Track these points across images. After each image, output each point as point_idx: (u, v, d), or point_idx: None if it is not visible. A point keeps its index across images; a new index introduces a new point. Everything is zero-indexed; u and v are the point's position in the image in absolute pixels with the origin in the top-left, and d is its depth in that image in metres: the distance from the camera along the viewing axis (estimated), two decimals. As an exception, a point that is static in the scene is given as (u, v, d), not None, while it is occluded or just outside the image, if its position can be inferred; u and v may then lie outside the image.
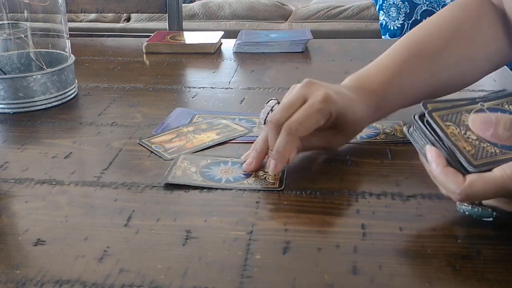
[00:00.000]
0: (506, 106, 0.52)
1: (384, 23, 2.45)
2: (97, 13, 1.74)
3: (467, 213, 0.49)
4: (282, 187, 0.55)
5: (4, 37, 0.84)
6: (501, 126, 0.47)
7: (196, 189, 0.55)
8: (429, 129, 0.49)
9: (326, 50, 1.06)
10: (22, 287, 0.41)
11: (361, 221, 0.49)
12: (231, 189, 0.55)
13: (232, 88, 0.85)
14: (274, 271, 0.43)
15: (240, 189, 0.55)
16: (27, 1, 0.83)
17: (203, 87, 0.86)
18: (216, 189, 0.55)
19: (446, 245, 0.45)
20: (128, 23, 2.70)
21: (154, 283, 0.42)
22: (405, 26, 2.41)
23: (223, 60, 1.02)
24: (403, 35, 2.46)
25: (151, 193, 0.55)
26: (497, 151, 0.48)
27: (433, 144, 0.49)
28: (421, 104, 0.50)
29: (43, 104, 0.78)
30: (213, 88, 0.86)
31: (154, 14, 2.59)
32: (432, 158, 0.48)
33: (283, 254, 0.45)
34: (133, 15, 2.71)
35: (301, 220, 0.50)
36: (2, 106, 0.76)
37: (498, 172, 0.45)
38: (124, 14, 2.70)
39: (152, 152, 0.63)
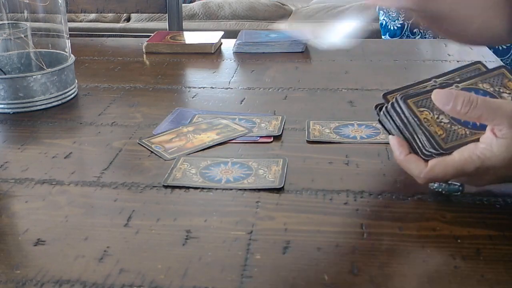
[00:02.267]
0: (480, 85, 0.54)
1: (384, 23, 2.44)
2: (97, 13, 1.74)
3: (436, 189, 0.53)
4: (282, 187, 0.55)
5: (4, 37, 0.84)
6: (459, 101, 0.49)
7: (196, 189, 0.55)
8: (400, 115, 0.53)
9: (326, 50, 1.06)
10: (22, 287, 0.41)
11: (361, 221, 0.49)
12: (231, 189, 0.55)
13: (232, 88, 0.85)
14: (274, 271, 0.43)
15: (240, 189, 0.55)
16: (27, 1, 0.83)
17: (203, 87, 0.86)
18: (216, 189, 0.55)
19: (446, 245, 0.45)
20: (128, 23, 2.70)
21: (154, 283, 0.42)
22: (405, 26, 2.41)
23: (223, 60, 1.02)
24: (403, 35, 2.46)
25: (151, 193, 0.55)
26: (467, 132, 0.51)
27: (402, 129, 0.52)
28: (381, 96, 0.55)
29: (43, 104, 0.78)
30: (213, 88, 0.86)
31: (154, 14, 2.59)
32: (395, 147, 0.52)
33: (283, 254, 0.45)
34: (133, 15, 2.70)
35: (301, 220, 0.50)
36: (2, 106, 0.76)
37: (457, 155, 0.49)
38: (124, 14, 2.70)
39: (152, 152, 0.63)
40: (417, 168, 0.51)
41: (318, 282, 0.41)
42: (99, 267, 0.43)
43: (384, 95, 0.55)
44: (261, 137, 0.66)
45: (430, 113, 0.52)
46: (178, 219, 0.50)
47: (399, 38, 2.43)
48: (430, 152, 0.51)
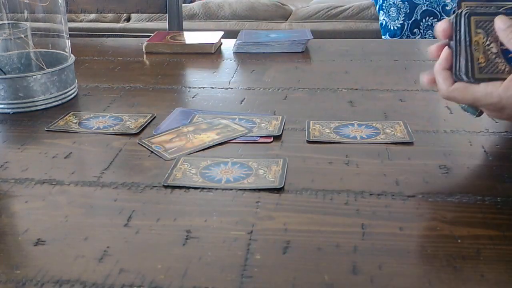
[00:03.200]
0: None
1: (384, 23, 2.44)
2: (97, 13, 1.74)
3: (458, 105, 0.59)
4: (282, 187, 0.55)
5: (4, 37, 0.84)
6: None
7: (196, 189, 0.55)
8: (457, 29, 0.54)
9: (326, 50, 1.06)
10: (22, 287, 0.41)
11: (361, 221, 0.49)
12: (231, 189, 0.55)
13: (232, 88, 0.85)
14: (274, 271, 0.43)
15: (240, 189, 0.55)
16: (27, 1, 0.83)
17: (203, 87, 0.86)
18: (216, 189, 0.55)
19: (446, 245, 0.45)
20: (128, 23, 2.70)
21: (154, 283, 0.42)
22: (405, 26, 2.41)
23: (223, 60, 1.02)
24: (403, 35, 2.46)
25: (151, 193, 0.55)
26: (507, 69, 0.53)
27: (456, 38, 0.54)
28: (457, 1, 0.56)
29: (43, 104, 0.78)
30: (213, 88, 0.86)
31: (154, 14, 2.59)
32: (435, 54, 0.57)
33: (283, 254, 0.45)
34: (133, 15, 2.70)
35: (301, 220, 0.50)
36: (2, 106, 0.76)
37: (482, 87, 0.53)
38: (124, 14, 2.70)
39: (152, 152, 0.63)
40: (444, 83, 0.55)
41: (318, 282, 0.41)
42: (99, 267, 0.43)
43: (460, 1, 0.56)
44: (261, 137, 0.66)
45: (483, 37, 0.54)
46: (178, 219, 0.50)
47: (399, 38, 2.43)
48: (462, 77, 0.54)
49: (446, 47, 0.56)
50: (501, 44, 0.54)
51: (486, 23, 0.54)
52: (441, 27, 0.56)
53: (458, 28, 0.54)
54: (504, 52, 0.54)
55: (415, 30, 2.41)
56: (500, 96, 0.52)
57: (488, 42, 0.53)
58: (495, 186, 0.54)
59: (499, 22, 0.53)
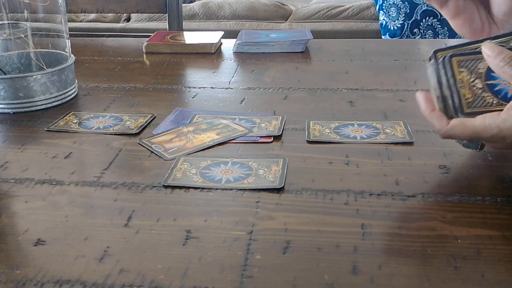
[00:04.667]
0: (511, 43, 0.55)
1: (384, 23, 2.44)
2: (97, 13, 1.74)
3: (456, 142, 0.59)
4: (282, 187, 0.55)
5: (4, 37, 0.84)
6: (502, 55, 0.52)
7: (196, 189, 0.55)
8: (440, 71, 0.55)
9: (326, 50, 1.07)
10: (22, 287, 0.41)
11: (361, 221, 0.49)
12: (231, 189, 0.55)
13: (232, 88, 0.85)
14: (274, 271, 0.43)
15: (240, 189, 0.55)
16: (27, 1, 0.83)
17: (203, 87, 0.86)
18: (216, 189, 0.55)
19: (446, 245, 0.45)
20: (128, 23, 2.70)
21: (154, 283, 0.42)
22: (405, 26, 2.41)
23: (223, 60, 1.02)
24: (403, 35, 2.46)
25: (151, 193, 0.55)
26: (495, 102, 0.53)
27: (440, 85, 0.55)
28: (433, 52, 0.56)
29: (43, 104, 0.78)
30: (213, 88, 0.86)
31: (154, 14, 2.60)
32: (422, 102, 0.56)
33: (283, 254, 0.45)
34: (133, 15, 2.71)
35: (301, 220, 0.50)
36: (2, 106, 0.76)
37: (478, 120, 0.52)
38: (124, 14, 2.70)
39: (152, 152, 0.63)
40: (439, 124, 0.55)
41: (318, 282, 0.41)
42: (99, 267, 0.43)
43: (435, 52, 0.56)
44: (261, 137, 0.66)
45: (467, 75, 0.54)
46: (178, 219, 0.50)
47: (399, 38, 2.43)
48: (452, 116, 0.54)
49: (419, 92, 0.57)
50: (486, 79, 0.54)
51: (467, 62, 0.54)
52: (424, 97, 0.56)
53: (441, 72, 0.55)
54: (490, 86, 0.54)
55: (415, 30, 2.41)
56: (500, 127, 0.51)
57: (472, 79, 0.54)
58: (495, 186, 0.54)
59: (487, 50, 0.53)
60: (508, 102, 0.53)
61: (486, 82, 0.54)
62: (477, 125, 0.52)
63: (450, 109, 0.54)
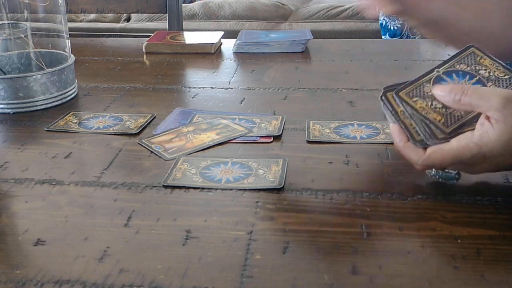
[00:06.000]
0: (457, 66, 0.56)
1: (384, 23, 2.44)
2: (97, 13, 1.74)
3: (433, 177, 0.55)
4: (282, 187, 0.55)
5: (4, 37, 0.84)
6: (453, 91, 0.52)
7: (196, 189, 0.55)
8: (395, 109, 0.55)
9: (326, 50, 1.06)
10: (22, 287, 0.41)
11: (361, 221, 0.49)
12: (231, 189, 0.55)
13: (232, 88, 0.85)
14: (274, 271, 0.43)
15: (240, 189, 0.55)
16: (27, 1, 0.83)
17: (203, 87, 0.86)
18: (216, 189, 0.55)
19: (446, 245, 0.45)
20: (128, 23, 2.70)
21: (154, 283, 0.42)
22: (405, 26, 2.41)
23: (223, 60, 1.02)
24: (403, 35, 2.46)
25: (151, 193, 0.55)
26: (462, 112, 0.53)
27: (400, 121, 0.54)
28: (381, 94, 0.56)
29: (43, 104, 0.78)
30: (213, 88, 0.86)
31: (154, 14, 2.59)
32: (395, 134, 0.55)
33: (283, 254, 0.45)
34: (133, 15, 2.71)
35: (301, 220, 0.50)
36: (2, 106, 0.76)
37: (454, 142, 0.51)
38: (124, 14, 2.70)
39: (152, 152, 0.63)
40: (415, 155, 0.53)
41: (318, 282, 0.41)
42: (99, 267, 0.43)
43: (384, 92, 0.56)
44: (261, 137, 0.66)
45: (423, 101, 0.54)
46: (178, 219, 0.50)
47: (399, 38, 2.43)
48: (431, 143, 0.52)
49: (393, 125, 0.56)
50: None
51: (413, 91, 0.55)
52: (397, 130, 0.55)
53: (396, 108, 0.55)
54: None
55: (415, 30, 2.41)
56: (478, 145, 0.49)
57: (430, 103, 0.54)
58: (495, 186, 0.54)
59: (438, 91, 0.53)
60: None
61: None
62: (455, 148, 0.50)
63: (425, 137, 0.52)
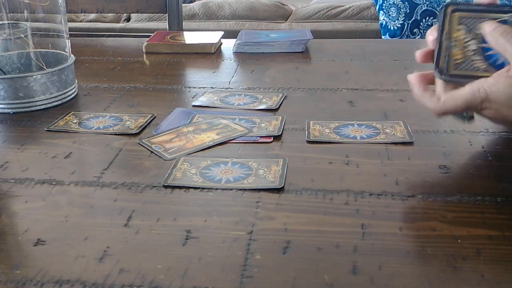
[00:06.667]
0: None
1: (384, 23, 2.44)
2: (97, 13, 1.74)
3: (454, 118, 0.59)
4: (282, 187, 0.55)
5: (4, 37, 0.84)
6: (500, 28, 0.53)
7: (196, 189, 0.55)
8: (440, 24, 0.55)
9: (326, 50, 1.07)
10: (22, 287, 0.41)
11: (361, 221, 0.49)
12: (231, 189, 0.55)
13: (232, 88, 0.85)
14: (274, 271, 0.43)
15: (240, 189, 0.55)
16: (27, 1, 0.83)
17: (203, 87, 0.86)
18: (216, 189, 0.55)
19: (446, 245, 0.45)
20: (128, 23, 2.70)
21: (154, 283, 0.42)
22: (405, 26, 2.41)
23: (223, 60, 1.02)
24: (403, 35, 2.46)
25: (151, 193, 0.55)
26: (483, 67, 0.54)
27: (438, 36, 0.55)
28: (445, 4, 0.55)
29: (43, 104, 0.78)
30: (213, 88, 0.86)
31: (154, 14, 2.59)
32: (413, 82, 0.58)
33: (283, 254, 0.45)
34: (133, 15, 2.70)
35: (301, 220, 0.50)
36: (2, 106, 0.76)
37: (467, 87, 0.53)
38: (124, 14, 2.70)
39: (152, 152, 0.63)
40: (431, 101, 0.56)
41: (318, 282, 0.41)
42: (99, 267, 0.43)
43: (447, 4, 0.56)
44: (261, 137, 0.66)
45: (464, 34, 0.54)
46: (178, 219, 0.50)
47: (399, 38, 2.43)
48: (438, 74, 0.54)
49: (410, 74, 0.58)
50: (481, 41, 0.54)
51: (468, 19, 0.54)
52: (415, 78, 0.58)
53: (441, 24, 0.55)
54: (483, 49, 0.54)
55: (415, 30, 2.41)
56: (486, 91, 0.52)
57: (468, 39, 0.54)
58: (495, 186, 0.54)
59: (486, 26, 0.54)
60: (494, 70, 0.54)
61: (481, 45, 0.54)
62: (466, 93, 0.53)
63: (437, 65, 0.55)
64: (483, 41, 0.54)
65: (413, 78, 0.58)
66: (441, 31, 0.55)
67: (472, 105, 0.54)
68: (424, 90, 0.57)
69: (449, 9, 0.54)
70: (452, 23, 0.54)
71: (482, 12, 0.54)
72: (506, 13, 0.54)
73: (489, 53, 0.54)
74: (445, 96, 0.55)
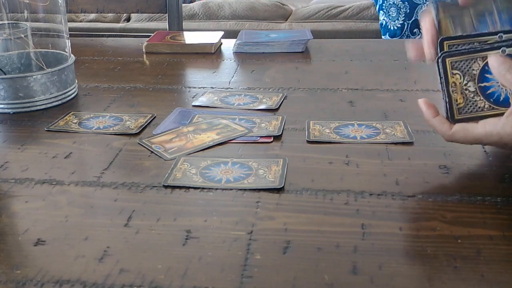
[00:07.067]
0: None
1: (384, 23, 2.44)
2: (97, 13, 1.74)
3: None
4: (282, 187, 0.55)
5: (4, 37, 0.84)
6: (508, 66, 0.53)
7: (196, 189, 0.55)
8: (439, 72, 0.55)
9: (326, 50, 1.06)
10: (22, 287, 0.41)
11: (361, 221, 0.49)
12: (231, 189, 0.55)
13: (232, 88, 0.85)
14: (274, 271, 0.43)
15: (240, 189, 0.55)
16: (27, 1, 0.83)
17: (203, 87, 0.86)
18: (216, 189, 0.55)
19: (446, 245, 0.45)
20: (128, 23, 2.70)
21: (154, 283, 0.42)
22: (405, 26, 2.41)
23: (223, 60, 1.02)
24: (403, 35, 2.46)
25: (151, 193, 0.55)
26: (487, 106, 0.54)
27: (439, 84, 0.56)
28: (438, 41, 0.55)
29: (43, 104, 0.78)
30: (213, 88, 0.86)
31: (154, 14, 2.59)
32: (424, 108, 0.58)
33: (283, 254, 0.45)
34: (133, 15, 2.70)
35: (301, 220, 0.50)
36: (2, 106, 0.76)
37: (480, 127, 0.54)
38: (124, 14, 2.70)
39: (152, 152, 0.63)
40: (442, 128, 0.56)
41: (318, 282, 0.41)
42: (99, 267, 0.43)
43: (441, 41, 0.55)
44: (261, 137, 0.66)
45: (460, 77, 0.55)
46: (178, 219, 0.50)
47: (399, 38, 2.43)
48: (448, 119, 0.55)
49: (420, 99, 0.58)
50: (479, 81, 0.55)
51: (461, 63, 0.55)
52: (425, 104, 0.58)
53: (438, 72, 0.56)
54: (482, 89, 0.55)
55: (415, 30, 2.41)
56: (500, 134, 0.52)
57: (465, 82, 0.55)
58: (495, 186, 0.54)
59: (493, 61, 0.54)
60: (499, 106, 0.54)
61: (479, 84, 0.55)
62: (479, 132, 0.54)
63: (444, 112, 0.56)
64: (482, 80, 0.55)
65: (423, 103, 0.58)
66: (439, 80, 0.56)
67: (482, 143, 0.56)
68: (434, 114, 0.57)
69: (441, 56, 0.55)
70: (447, 70, 0.55)
71: (470, 53, 0.54)
72: (492, 35, 0.54)
73: (489, 91, 0.55)
74: (457, 127, 0.55)
